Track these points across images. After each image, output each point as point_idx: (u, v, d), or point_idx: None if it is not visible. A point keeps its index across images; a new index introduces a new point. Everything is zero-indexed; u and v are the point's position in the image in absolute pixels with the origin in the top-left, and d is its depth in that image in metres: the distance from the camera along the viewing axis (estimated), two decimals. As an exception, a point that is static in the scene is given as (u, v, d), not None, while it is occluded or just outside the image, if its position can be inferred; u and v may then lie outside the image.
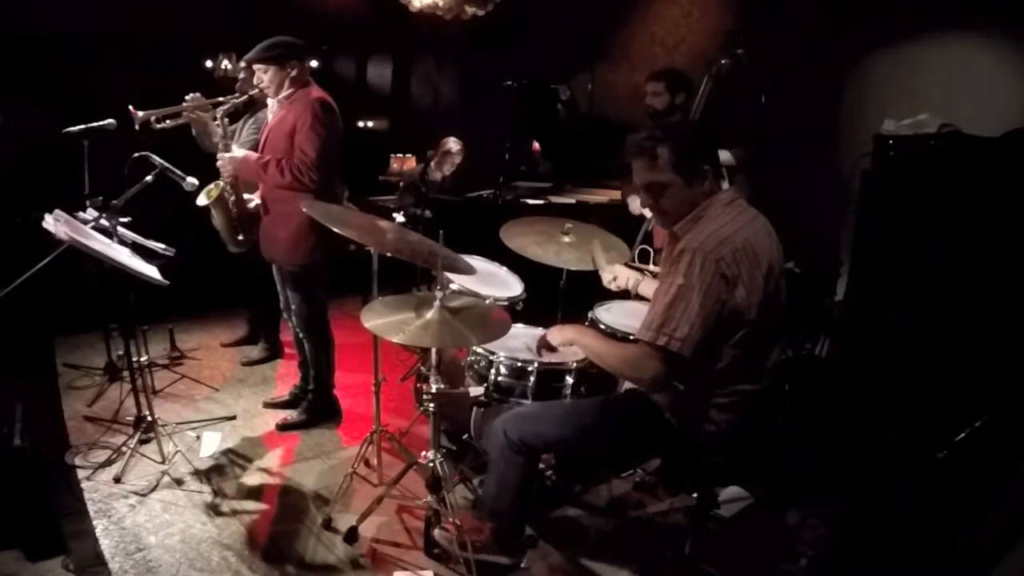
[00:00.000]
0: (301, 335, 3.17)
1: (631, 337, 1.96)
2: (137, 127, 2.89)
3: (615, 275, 2.55)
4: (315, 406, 3.25)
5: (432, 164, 4.89)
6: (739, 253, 1.80)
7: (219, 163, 2.96)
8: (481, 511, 2.39)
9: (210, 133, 3.12)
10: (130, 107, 2.86)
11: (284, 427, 3.20)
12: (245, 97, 3.08)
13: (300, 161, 2.78)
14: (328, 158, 2.82)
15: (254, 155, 2.91)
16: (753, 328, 1.82)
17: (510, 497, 2.17)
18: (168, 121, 2.98)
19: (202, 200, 3.01)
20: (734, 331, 1.82)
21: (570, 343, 2.13)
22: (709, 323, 1.76)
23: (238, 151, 2.98)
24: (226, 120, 2.98)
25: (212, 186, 3.02)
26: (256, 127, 3.41)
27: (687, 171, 1.84)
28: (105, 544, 2.30)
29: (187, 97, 3.01)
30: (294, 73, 2.85)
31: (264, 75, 2.85)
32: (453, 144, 4.89)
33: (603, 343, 2.03)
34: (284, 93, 2.89)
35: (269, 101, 3.00)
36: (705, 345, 1.78)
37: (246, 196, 3.11)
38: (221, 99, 2.98)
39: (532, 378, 2.50)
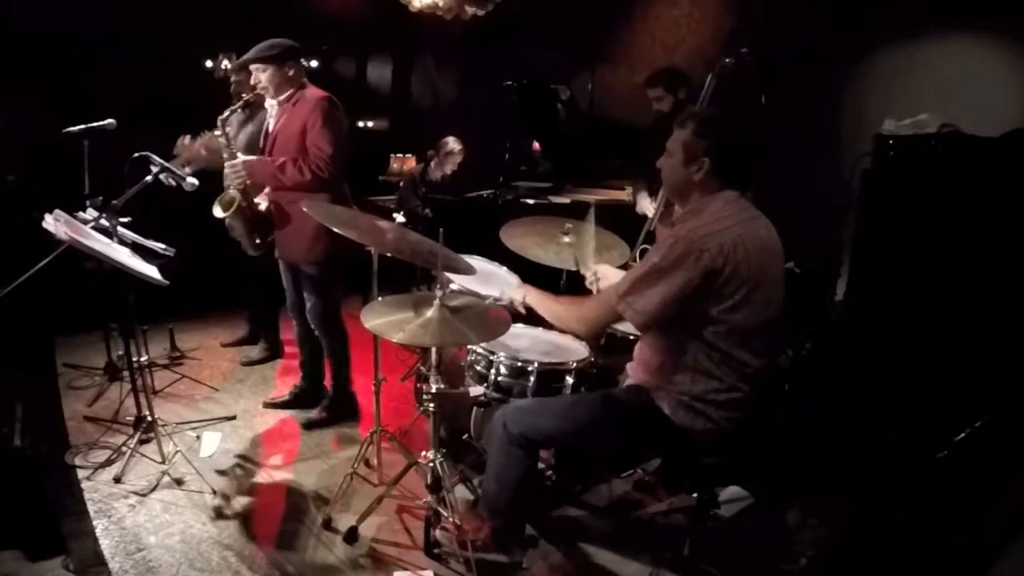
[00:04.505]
0: (318, 333, 3.18)
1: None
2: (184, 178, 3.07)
3: (597, 275, 2.50)
4: (335, 403, 3.28)
5: (432, 164, 4.89)
6: (727, 247, 1.83)
7: (228, 171, 2.96)
8: (481, 509, 2.39)
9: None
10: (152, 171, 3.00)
11: (309, 425, 3.23)
12: (241, 102, 3.09)
13: (318, 158, 2.81)
14: (342, 153, 2.85)
15: (267, 159, 2.93)
16: (738, 326, 1.86)
17: (510, 493, 2.18)
18: (190, 166, 3.25)
19: (219, 213, 2.99)
20: (716, 326, 1.86)
21: (528, 305, 2.27)
22: (670, 304, 1.85)
23: (248, 156, 2.98)
24: (228, 129, 3.00)
25: (225, 197, 3.01)
26: (256, 129, 3.43)
27: (688, 152, 1.93)
28: (105, 544, 2.30)
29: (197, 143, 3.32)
30: (291, 73, 2.87)
31: (262, 75, 2.86)
32: (454, 144, 4.89)
33: (555, 302, 2.19)
34: (284, 94, 2.90)
35: (268, 103, 3.00)
36: (659, 324, 1.90)
37: (255, 199, 3.13)
38: (224, 138, 3.00)
39: (532, 378, 2.50)
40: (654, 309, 1.85)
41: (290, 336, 3.66)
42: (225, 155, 2.98)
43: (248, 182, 2.97)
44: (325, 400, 3.30)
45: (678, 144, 1.96)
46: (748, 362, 1.91)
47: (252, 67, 2.88)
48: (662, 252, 1.86)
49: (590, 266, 2.56)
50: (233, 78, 3.62)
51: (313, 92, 2.89)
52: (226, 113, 3.02)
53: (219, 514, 2.52)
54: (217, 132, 3.00)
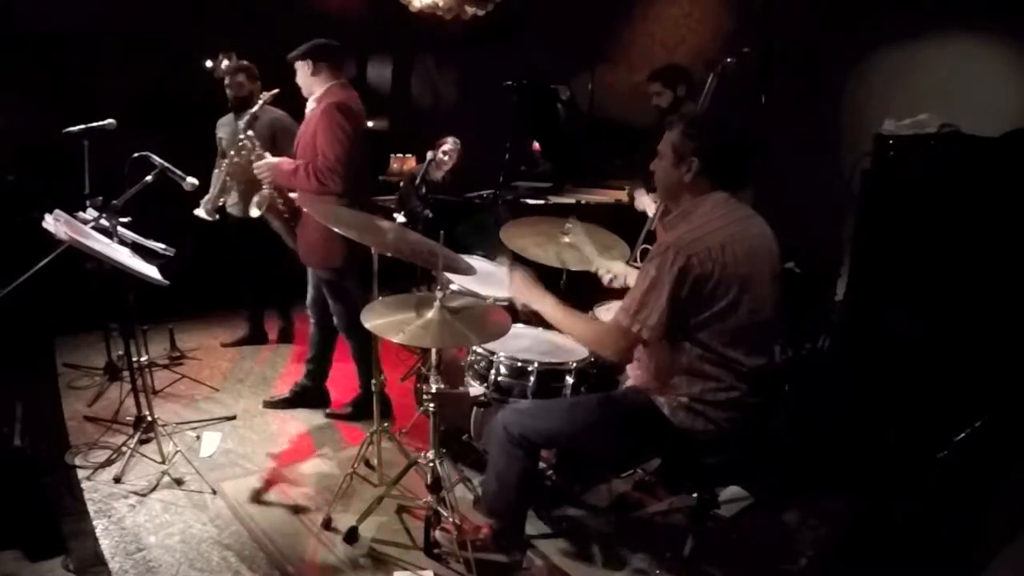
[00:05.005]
0: (345, 337, 3.21)
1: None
2: (211, 217, 3.44)
3: (614, 274, 2.55)
4: (362, 401, 3.30)
5: (432, 164, 4.88)
6: (715, 250, 1.84)
7: (257, 172, 3.00)
8: (481, 509, 2.39)
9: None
10: (195, 212, 3.37)
11: (331, 415, 3.33)
12: (259, 104, 3.13)
13: (323, 164, 2.82)
14: (350, 160, 2.84)
15: (288, 161, 2.96)
16: (729, 327, 1.87)
17: (510, 493, 2.18)
18: (226, 196, 3.48)
19: (255, 212, 3.07)
20: (709, 328, 1.87)
21: (530, 305, 2.19)
22: (675, 314, 1.85)
23: (273, 159, 3.01)
24: (250, 132, 3.04)
25: (258, 197, 3.06)
26: (265, 131, 3.51)
27: (678, 153, 1.95)
28: (105, 544, 2.30)
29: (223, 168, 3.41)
30: (313, 72, 2.91)
31: (298, 73, 2.94)
32: (451, 143, 4.90)
33: (568, 316, 2.10)
34: (314, 95, 2.95)
35: (309, 104, 3.05)
36: (669, 333, 1.89)
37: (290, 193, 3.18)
38: (241, 146, 3.13)
39: (532, 378, 2.50)
40: (661, 321, 1.85)
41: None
42: (253, 157, 3.03)
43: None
44: (355, 397, 3.36)
45: (668, 146, 1.97)
46: (744, 362, 1.91)
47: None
48: (656, 262, 1.87)
49: (602, 264, 2.56)
50: (228, 80, 3.66)
51: (332, 95, 2.90)
52: (246, 117, 3.11)
53: (219, 514, 2.52)
54: (241, 137, 3.07)
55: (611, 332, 1.98)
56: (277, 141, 3.47)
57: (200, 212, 3.49)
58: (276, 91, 3.11)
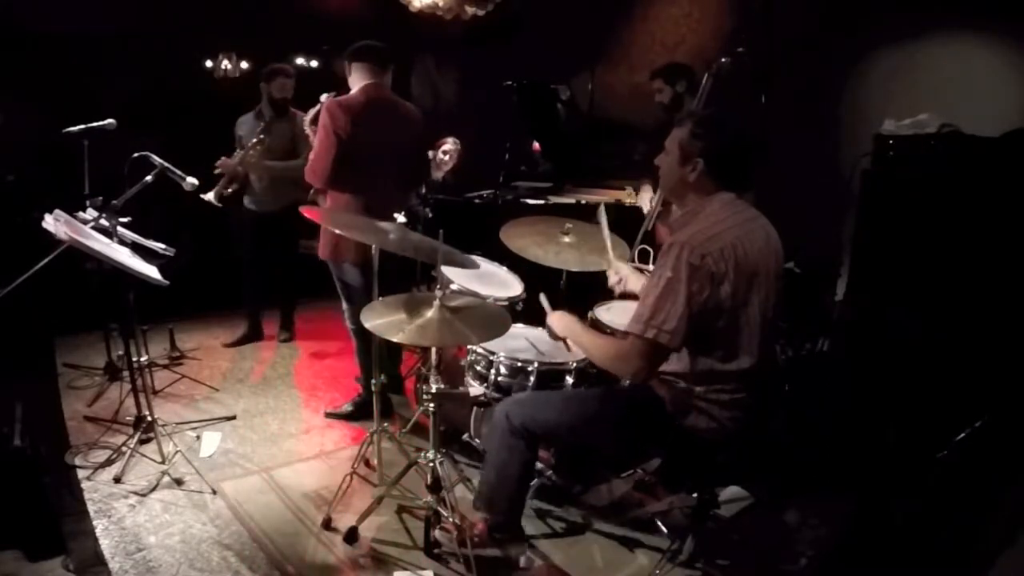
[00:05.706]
0: (351, 335, 3.26)
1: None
2: (218, 203, 3.48)
3: (620, 276, 2.48)
4: (362, 400, 3.31)
5: (432, 164, 4.88)
6: (727, 250, 1.83)
7: None
8: (479, 503, 2.38)
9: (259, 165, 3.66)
10: (203, 196, 3.29)
11: (330, 415, 3.35)
12: (318, 106, 3.14)
13: (308, 161, 2.94)
14: (326, 161, 2.85)
15: None
16: (737, 327, 1.86)
17: (510, 486, 2.17)
18: (234, 185, 3.55)
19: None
20: (717, 328, 1.85)
21: (565, 338, 2.18)
22: (695, 316, 1.81)
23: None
24: (310, 131, 3.14)
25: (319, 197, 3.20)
26: (286, 134, 3.67)
27: (684, 152, 1.93)
28: (105, 544, 2.30)
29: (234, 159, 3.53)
30: (348, 73, 3.00)
31: None
32: (451, 143, 4.90)
33: (591, 338, 2.08)
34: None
35: None
36: (690, 337, 1.83)
37: None
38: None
39: (532, 378, 2.50)
40: (683, 325, 1.79)
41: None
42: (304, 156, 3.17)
43: None
44: (357, 396, 3.37)
45: (675, 143, 1.96)
46: (749, 362, 1.90)
47: None
48: (670, 264, 1.82)
49: (613, 265, 2.51)
50: (278, 82, 3.79)
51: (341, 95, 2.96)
52: (311, 113, 3.20)
53: (219, 514, 2.52)
54: (308, 130, 3.18)
55: (628, 345, 1.88)
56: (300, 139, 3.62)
57: (209, 196, 3.54)
58: (334, 93, 3.15)
